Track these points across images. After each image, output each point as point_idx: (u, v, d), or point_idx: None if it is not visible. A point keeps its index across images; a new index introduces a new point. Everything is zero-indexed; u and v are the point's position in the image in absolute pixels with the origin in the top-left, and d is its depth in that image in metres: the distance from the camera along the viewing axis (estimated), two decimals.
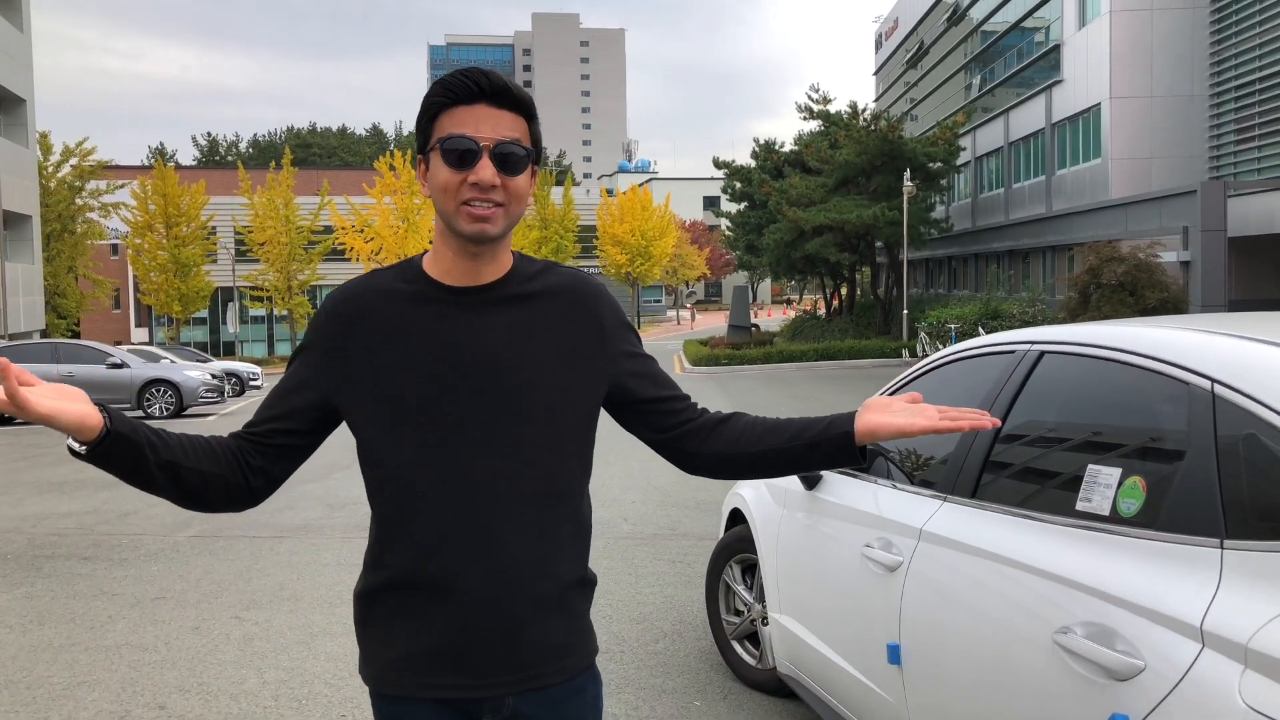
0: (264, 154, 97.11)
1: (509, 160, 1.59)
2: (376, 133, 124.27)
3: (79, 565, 7.02)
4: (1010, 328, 24.37)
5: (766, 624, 4.18)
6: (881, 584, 3.00)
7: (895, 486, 3.19)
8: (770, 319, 59.73)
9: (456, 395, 1.62)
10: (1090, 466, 2.33)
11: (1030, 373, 2.73)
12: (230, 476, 1.63)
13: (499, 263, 1.68)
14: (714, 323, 52.74)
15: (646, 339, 51.04)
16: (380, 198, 46.68)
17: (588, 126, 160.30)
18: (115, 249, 54.03)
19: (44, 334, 34.84)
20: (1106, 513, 2.22)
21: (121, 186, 41.60)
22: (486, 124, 1.58)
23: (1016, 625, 2.32)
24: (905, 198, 29.03)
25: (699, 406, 1.84)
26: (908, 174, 29.15)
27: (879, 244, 33.51)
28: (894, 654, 2.88)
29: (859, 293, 41.34)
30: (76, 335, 43.20)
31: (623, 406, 1.78)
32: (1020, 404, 2.72)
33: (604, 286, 1.80)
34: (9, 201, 31.43)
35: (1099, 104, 29.06)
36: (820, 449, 1.74)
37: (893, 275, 34.03)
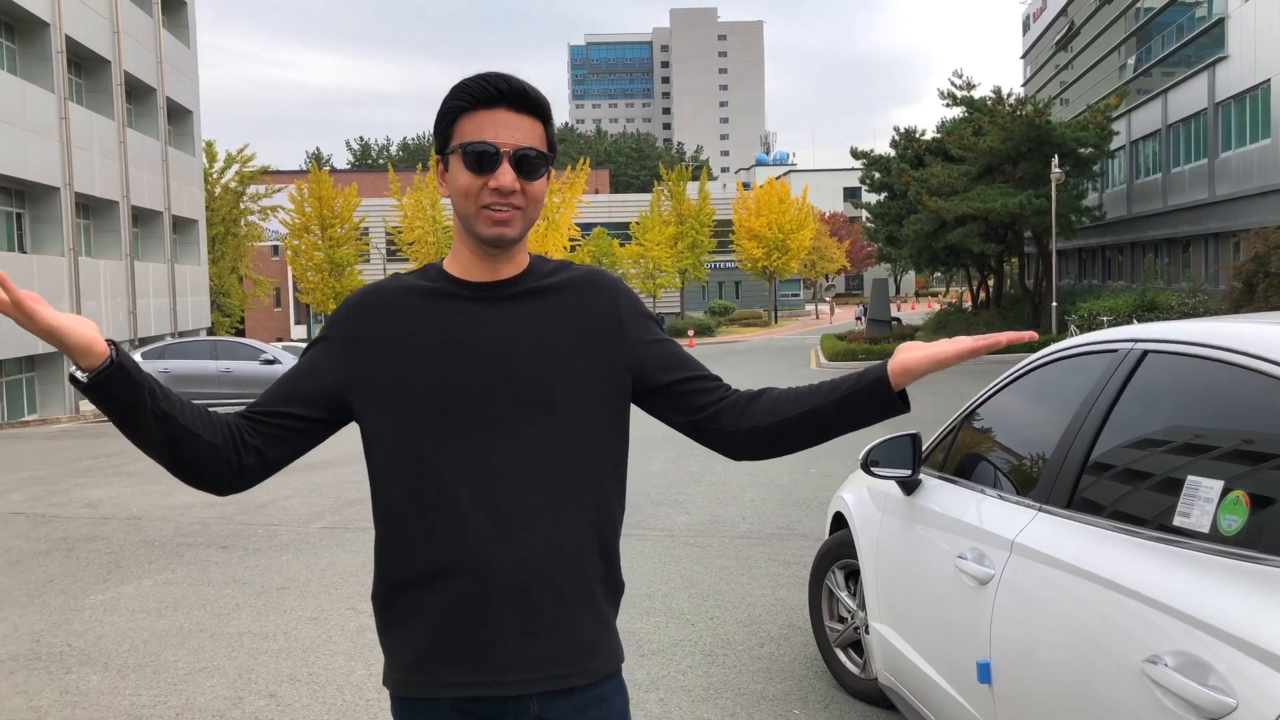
0: (413, 156, 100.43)
1: (528, 165, 1.62)
2: None
3: (216, 554, 7.37)
4: (1168, 320, 23.04)
5: (869, 632, 4.03)
6: (973, 597, 2.83)
7: (992, 494, 3.01)
8: (914, 312, 58.24)
9: (473, 387, 1.64)
10: (1190, 478, 2.13)
11: (1132, 374, 2.52)
12: (223, 449, 1.62)
13: (515, 261, 1.71)
14: (854, 316, 51.76)
15: (783, 333, 50.53)
16: None
17: (725, 120, 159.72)
18: (275, 250, 56.84)
19: (210, 332, 36.92)
20: (1206, 530, 2.02)
21: (279, 190, 43.71)
22: (506, 129, 1.61)
23: (1104, 650, 2.13)
24: (1053, 185, 27.77)
25: (730, 386, 1.79)
26: (1055, 160, 27.87)
27: (1027, 234, 32.18)
28: (984, 672, 2.71)
29: (1007, 285, 39.84)
30: (241, 333, 45.68)
31: (650, 393, 1.76)
32: (1120, 408, 2.51)
33: (621, 279, 1.80)
34: (177, 207, 33.44)
35: (1269, 80, 27.11)
36: (857, 399, 1.68)
37: (1041, 266, 32.63)
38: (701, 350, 38.22)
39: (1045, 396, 3.00)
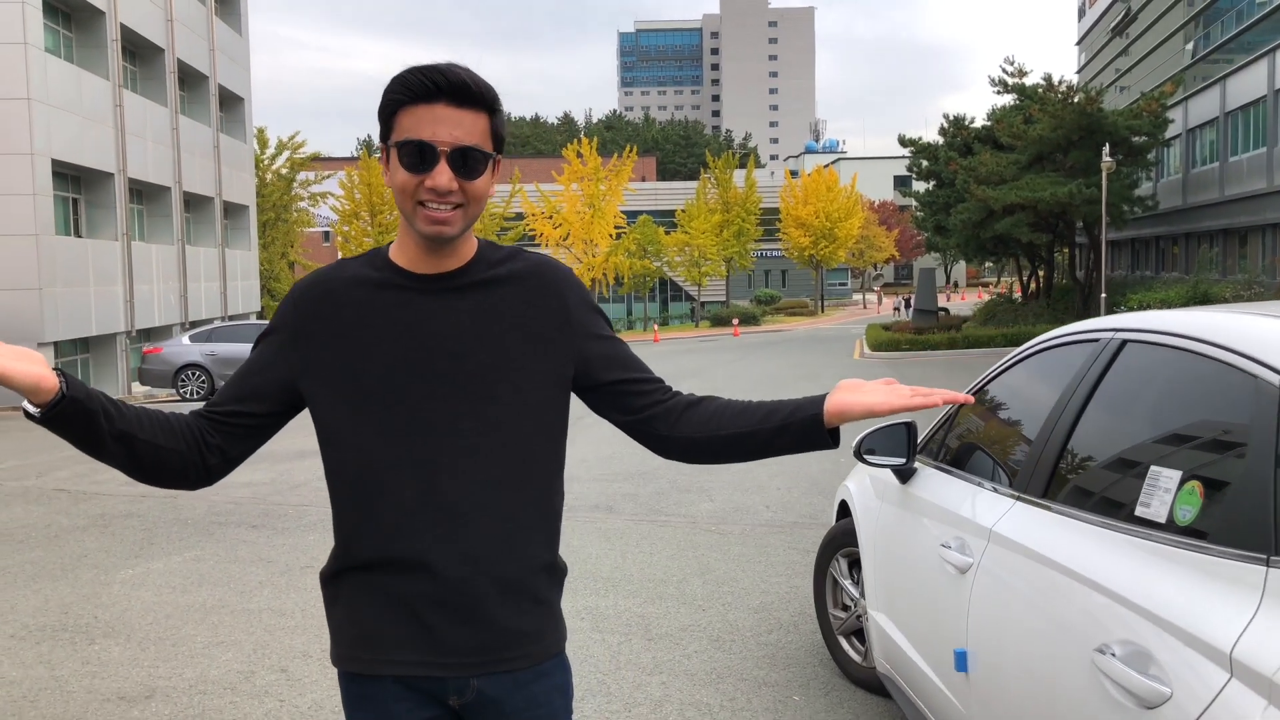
0: None
1: (467, 163, 1.59)
2: (567, 120, 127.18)
3: (245, 533, 7.53)
4: None
5: (869, 620, 4.03)
6: (954, 586, 2.83)
7: (975, 482, 3.00)
8: (964, 302, 57.51)
9: (419, 379, 1.65)
10: (1152, 468, 2.11)
11: (1110, 363, 2.50)
12: (187, 453, 1.66)
13: (461, 252, 1.70)
14: (892, 308, 51.21)
15: (829, 322, 50.20)
16: (568, 185, 47.76)
17: (775, 108, 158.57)
18: (326, 235, 57.59)
19: (260, 316, 37.51)
20: (1163, 520, 2.01)
21: (329, 177, 44.23)
22: (445, 125, 1.57)
23: (1063, 640, 2.13)
24: (1104, 174, 27.23)
25: (671, 389, 1.81)
26: (1106, 149, 27.33)
27: (1078, 224, 31.61)
28: (960, 660, 2.71)
29: (1057, 275, 39.19)
30: None
31: (591, 389, 1.77)
32: (1097, 397, 2.49)
33: (570, 271, 1.79)
34: (229, 193, 33.99)
35: None
36: (789, 431, 1.70)
37: (1093, 257, 32.06)
38: (746, 340, 38.09)
39: (1033, 386, 2.98)
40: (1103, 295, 28.29)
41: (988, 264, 58.81)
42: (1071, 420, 2.53)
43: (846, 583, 4.43)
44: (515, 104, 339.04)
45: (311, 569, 6.37)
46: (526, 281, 1.72)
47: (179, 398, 20.98)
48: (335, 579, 1.74)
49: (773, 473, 9.54)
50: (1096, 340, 2.64)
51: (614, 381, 1.76)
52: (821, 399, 1.69)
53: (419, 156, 1.57)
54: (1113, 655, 1.88)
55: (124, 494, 9.36)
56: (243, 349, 21.02)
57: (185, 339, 21.83)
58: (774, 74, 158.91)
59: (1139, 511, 2.09)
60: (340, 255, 48.05)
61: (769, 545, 6.82)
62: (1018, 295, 41.72)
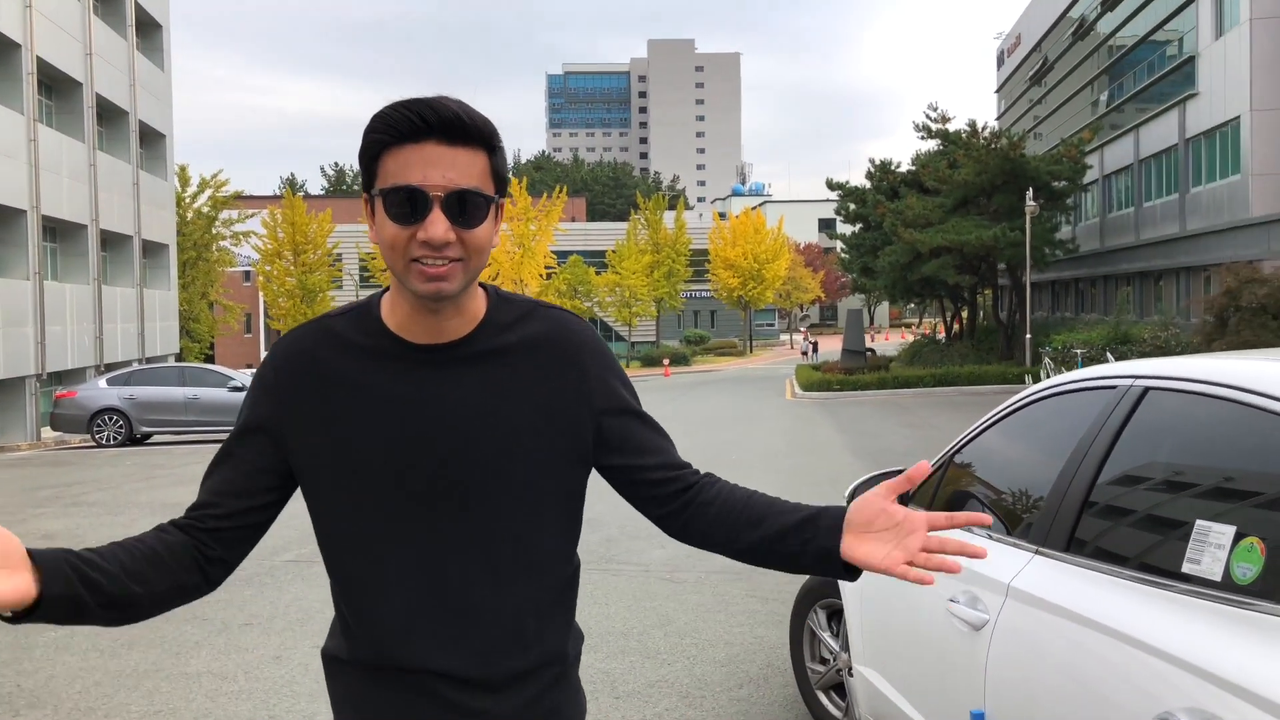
0: None
1: (465, 209, 1.36)
2: None
3: None
4: (1141, 353, 23.18)
5: (853, 675, 3.89)
6: (966, 643, 2.70)
7: (981, 534, 2.89)
8: (888, 343, 58.46)
9: (422, 465, 1.45)
10: (1199, 523, 2.01)
11: (1132, 411, 2.41)
12: (186, 580, 1.43)
13: (466, 315, 1.47)
14: (829, 346, 51.84)
15: (758, 362, 50.54)
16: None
17: (702, 151, 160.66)
18: (247, 275, 56.35)
19: (178, 357, 36.45)
20: (1218, 578, 1.90)
21: (252, 215, 43.35)
22: (436, 167, 1.34)
23: (1112, 704, 2.01)
24: (1028, 218, 27.97)
25: (684, 476, 1.58)
26: (1030, 193, 28.10)
27: (1001, 266, 32.38)
28: None
29: (980, 316, 40.07)
30: (210, 359, 45.14)
31: (605, 468, 1.58)
32: (1121, 447, 2.40)
33: (592, 332, 1.58)
34: (148, 231, 33.07)
35: (1238, 117, 27.51)
36: (804, 560, 1.49)
37: (1015, 298, 32.82)
38: (677, 380, 38.12)
39: (1038, 434, 2.89)
40: (1027, 336, 28.94)
41: (910, 305, 60.00)
42: (1094, 470, 2.43)
43: (825, 635, 4.29)
44: None
45: (251, 626, 6.03)
46: (540, 349, 1.51)
47: (94, 443, 20.15)
48: (338, 664, 1.56)
49: None
50: (1114, 387, 2.55)
51: (625, 467, 1.55)
52: (837, 533, 1.45)
53: (409, 205, 1.34)
54: None
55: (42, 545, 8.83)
56: (162, 392, 20.34)
57: (102, 382, 21.03)
58: (700, 118, 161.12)
59: (1187, 568, 1.99)
60: (262, 296, 47.05)
61: (727, 594, 6.67)
62: (941, 335, 42.53)
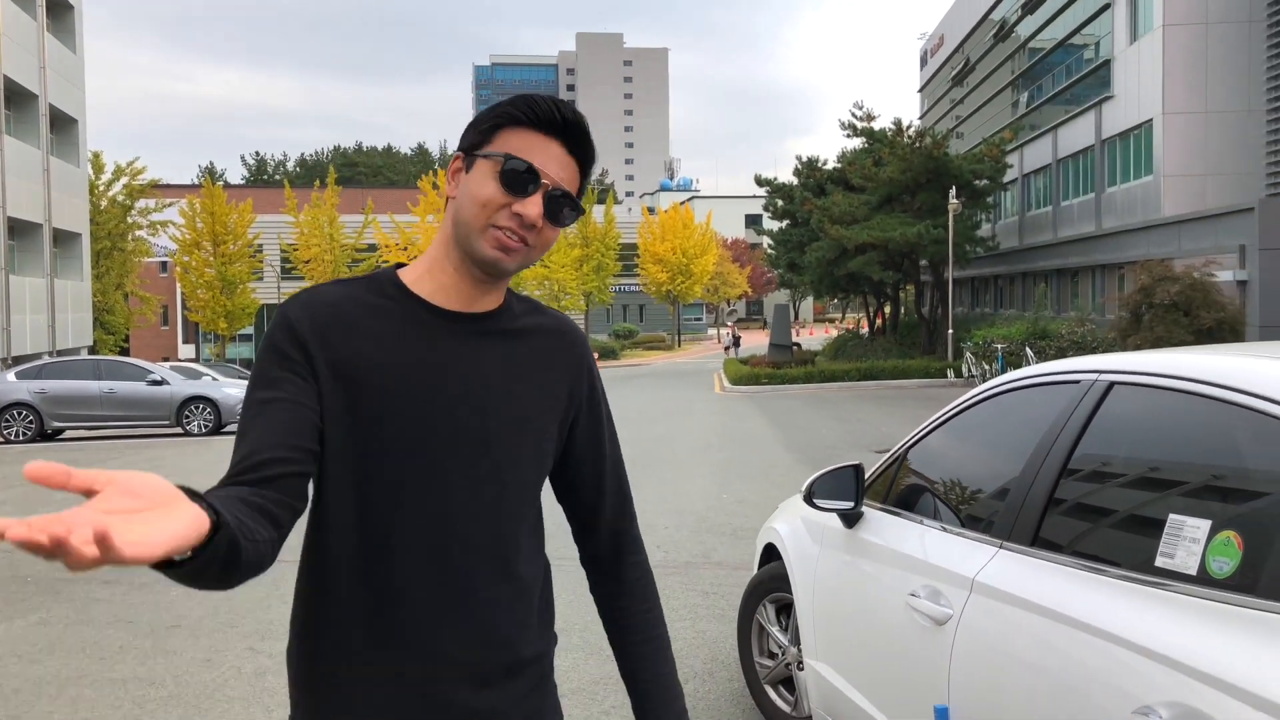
0: (311, 173, 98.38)
1: (558, 210, 1.46)
2: (421, 152, 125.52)
3: (98, 589, 6.86)
4: (1059, 348, 23.78)
5: (802, 669, 3.88)
6: (929, 638, 2.70)
7: (944, 528, 2.89)
8: (812, 337, 59.15)
9: (441, 431, 1.43)
10: (1173, 517, 2.02)
11: (1098, 406, 2.43)
12: (266, 547, 1.22)
13: (497, 294, 1.54)
14: (755, 341, 52.24)
15: (686, 356, 50.72)
16: (424, 216, 46.98)
17: (630, 145, 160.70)
18: (164, 266, 54.82)
19: (91, 350, 35.29)
20: (1193, 572, 1.91)
21: (170, 205, 42.16)
22: (554, 163, 1.46)
23: (1087, 699, 2.01)
24: (950, 215, 28.52)
25: (619, 534, 1.69)
26: (953, 191, 28.65)
27: (924, 262, 32.98)
28: (942, 716, 2.57)
29: (903, 311, 40.76)
30: (125, 352, 43.75)
31: (557, 473, 1.65)
32: (1087, 441, 2.41)
33: (585, 334, 1.69)
34: (59, 219, 31.94)
35: (1151, 120, 28.39)
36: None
37: (937, 294, 33.46)
38: (606, 374, 38.05)
39: (998, 429, 2.90)
40: (949, 331, 29.51)
41: (835, 300, 60.82)
42: (1059, 464, 2.44)
43: (775, 630, 4.28)
44: (367, 134, 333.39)
45: (179, 628, 5.83)
46: (550, 337, 1.58)
47: (0, 439, 19.38)
48: (309, 660, 1.48)
49: (660, 510, 9.39)
50: (1077, 382, 2.57)
51: (572, 481, 1.65)
52: None
53: (523, 180, 1.42)
54: (1159, 718, 1.77)
55: None
56: (76, 386, 19.62)
57: (10, 375, 20.21)
58: (629, 112, 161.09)
59: (1160, 563, 2.00)
60: (180, 287, 45.68)
61: (666, 587, 6.64)
62: (864, 330, 43.17)
